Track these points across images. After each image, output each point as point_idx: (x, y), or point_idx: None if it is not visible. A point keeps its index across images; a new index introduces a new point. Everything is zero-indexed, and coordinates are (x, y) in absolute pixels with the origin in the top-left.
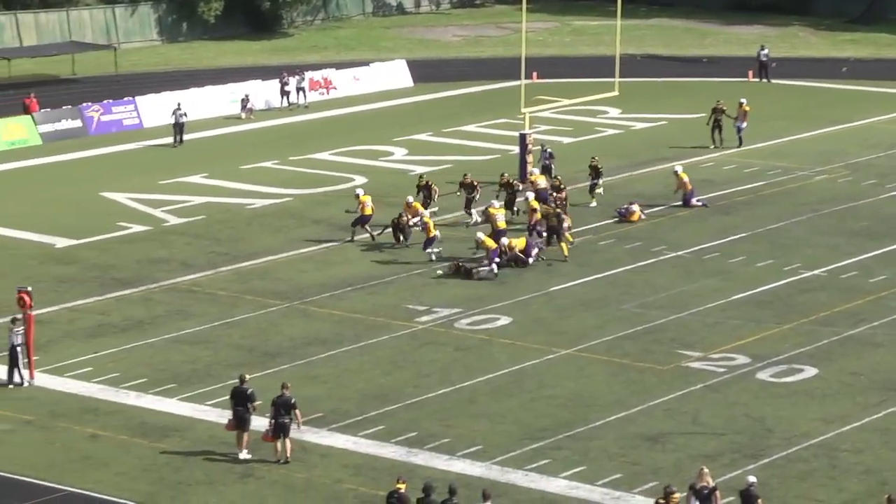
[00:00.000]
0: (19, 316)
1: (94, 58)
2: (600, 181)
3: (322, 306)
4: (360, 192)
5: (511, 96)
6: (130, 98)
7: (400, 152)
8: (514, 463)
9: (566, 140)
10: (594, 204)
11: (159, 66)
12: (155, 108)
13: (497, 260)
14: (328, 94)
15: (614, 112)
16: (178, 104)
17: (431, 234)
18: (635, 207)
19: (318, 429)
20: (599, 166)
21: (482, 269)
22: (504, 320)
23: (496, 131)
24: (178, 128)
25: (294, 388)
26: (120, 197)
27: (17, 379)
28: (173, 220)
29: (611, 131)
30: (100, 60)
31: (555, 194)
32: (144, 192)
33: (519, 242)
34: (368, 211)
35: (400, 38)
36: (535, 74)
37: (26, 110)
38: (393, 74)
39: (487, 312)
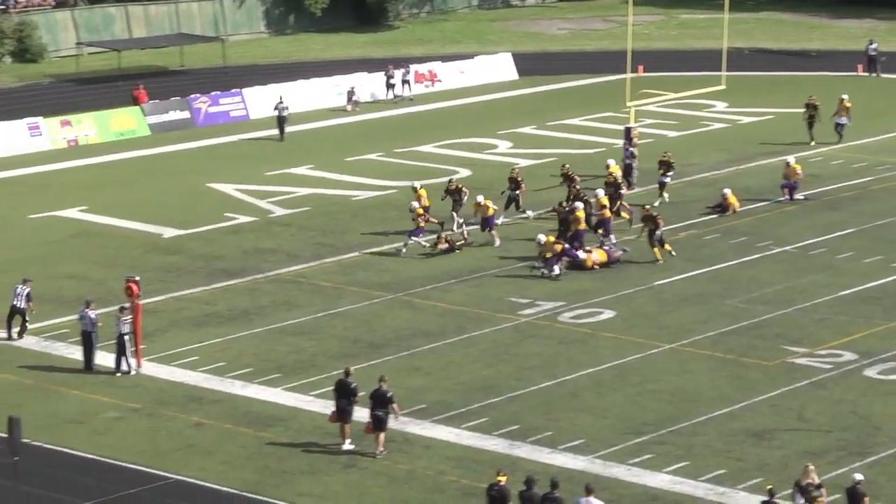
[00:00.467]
0: (127, 305)
1: (202, 50)
2: (669, 177)
3: (426, 298)
4: (417, 184)
5: (616, 90)
6: (237, 90)
7: (504, 145)
8: (616, 457)
9: (672, 134)
10: (663, 200)
11: (266, 59)
12: (261, 100)
13: (561, 262)
14: (433, 86)
15: (721, 106)
16: (280, 98)
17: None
18: (727, 191)
19: (421, 420)
20: (672, 161)
21: (553, 269)
22: (608, 314)
23: (601, 125)
24: (281, 122)
25: (397, 380)
26: (226, 188)
27: (124, 367)
28: (279, 211)
29: (717, 125)
30: (208, 52)
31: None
32: (251, 183)
33: (601, 255)
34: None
35: (505, 31)
36: (641, 68)
37: (135, 101)
38: (498, 67)
39: (591, 306)
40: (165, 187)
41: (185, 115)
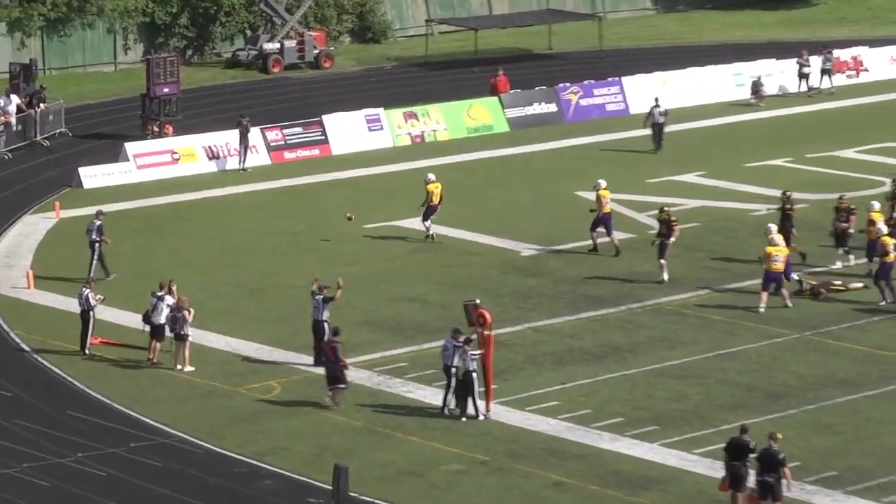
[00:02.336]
0: (474, 336)
1: (574, 29)
2: None
3: (840, 339)
4: (431, 177)
5: None
6: (615, 78)
7: None
8: None
9: None
10: None
11: (651, 41)
12: (643, 91)
13: None
14: (858, 77)
15: None
16: (656, 100)
17: None
18: None
19: (832, 490)
20: None
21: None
22: None
23: None
24: (657, 130)
25: (802, 438)
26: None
27: (470, 411)
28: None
29: None
30: (581, 33)
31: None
32: (628, 193)
33: None
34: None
35: None
36: None
37: (493, 91)
38: None
39: None
40: (525, 195)
41: (552, 108)
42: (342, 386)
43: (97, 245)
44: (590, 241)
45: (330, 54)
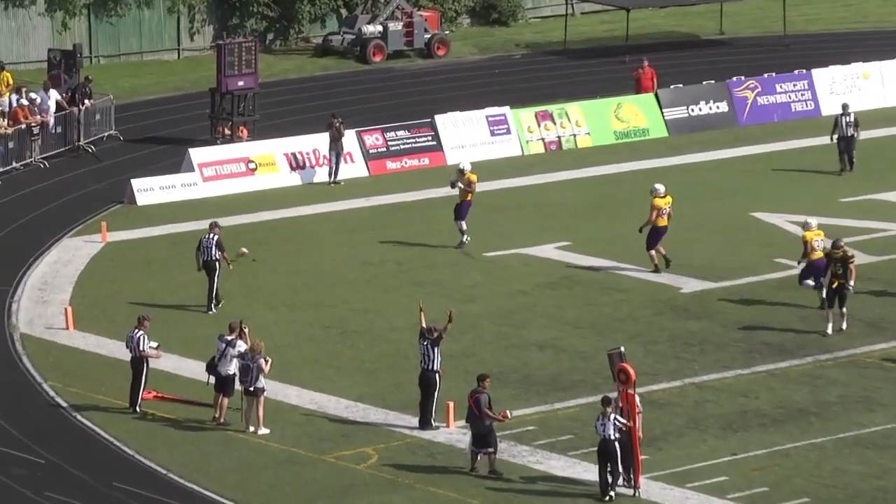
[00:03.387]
0: (612, 394)
1: (751, 9)
2: None
3: None
4: (660, 189)
5: None
6: (803, 71)
7: None
8: None
9: None
10: None
11: (848, 24)
12: (838, 87)
13: None
14: None
15: None
16: (844, 107)
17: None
18: None
19: None
20: None
21: None
22: None
23: None
24: (844, 146)
25: None
26: (778, 219)
27: (622, 482)
28: (857, 257)
29: None
30: (760, 14)
31: None
32: (817, 214)
33: None
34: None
35: None
36: None
37: (637, 87)
38: None
39: None
40: (686, 216)
41: (722, 107)
42: (490, 450)
43: (217, 265)
44: (775, 273)
45: (445, 39)
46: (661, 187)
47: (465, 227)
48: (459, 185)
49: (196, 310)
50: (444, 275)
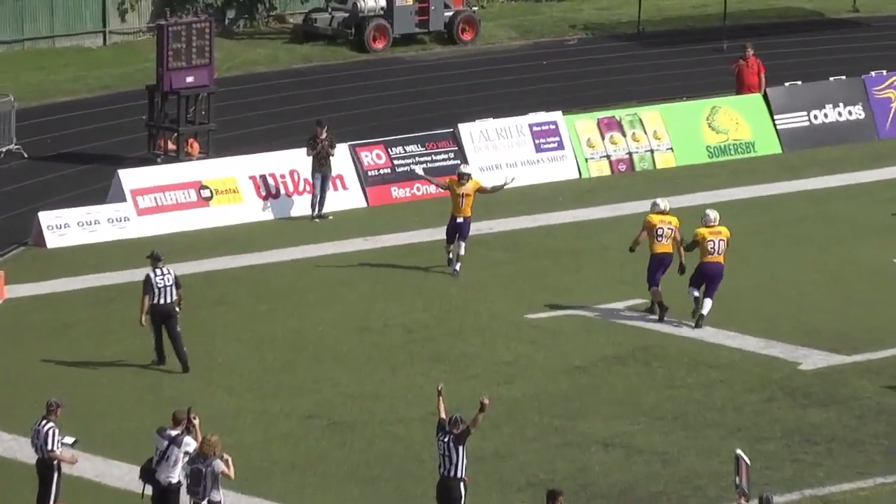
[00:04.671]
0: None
1: None
2: None
3: None
4: (662, 205)
5: None
6: None
7: None
8: None
9: None
10: None
11: None
12: None
13: None
14: None
15: None
16: None
17: None
18: None
19: None
20: None
21: None
22: None
23: None
24: None
25: None
26: None
27: None
28: None
29: None
30: None
31: None
32: None
33: None
34: None
35: None
36: None
37: (738, 83)
38: None
39: None
40: (807, 263)
41: (857, 113)
42: None
43: (175, 310)
44: None
45: (472, 18)
46: (662, 203)
47: (463, 251)
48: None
49: (128, 392)
50: (473, 345)
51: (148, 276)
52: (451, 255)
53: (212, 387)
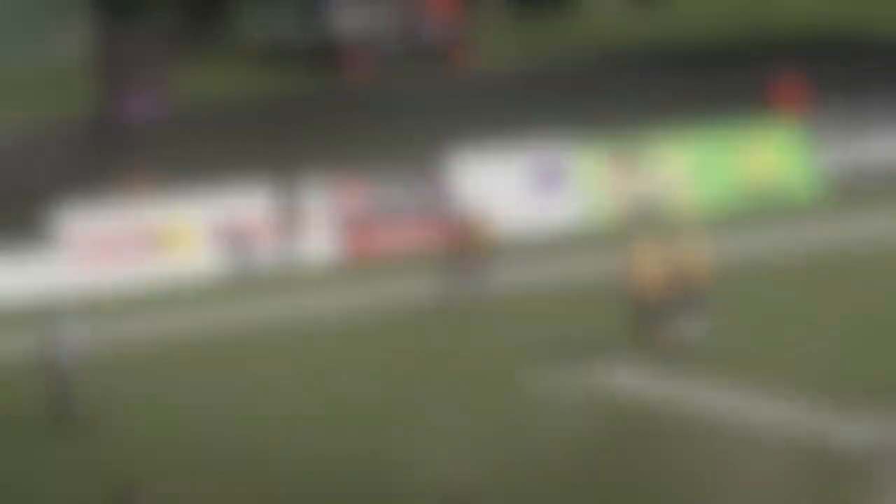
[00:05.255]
0: None
1: None
2: None
3: None
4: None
5: None
6: None
7: None
8: None
9: None
10: None
11: None
12: None
13: None
14: None
15: None
16: None
17: None
18: None
19: None
20: None
21: None
22: None
23: None
24: None
25: None
26: None
27: None
28: None
29: None
30: None
31: None
32: None
33: None
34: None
35: None
36: None
37: (775, 107)
38: None
39: None
40: (856, 326)
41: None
42: None
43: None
44: None
45: (465, 38)
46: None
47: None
48: None
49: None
50: (478, 423)
51: None
52: None
53: (163, 476)
